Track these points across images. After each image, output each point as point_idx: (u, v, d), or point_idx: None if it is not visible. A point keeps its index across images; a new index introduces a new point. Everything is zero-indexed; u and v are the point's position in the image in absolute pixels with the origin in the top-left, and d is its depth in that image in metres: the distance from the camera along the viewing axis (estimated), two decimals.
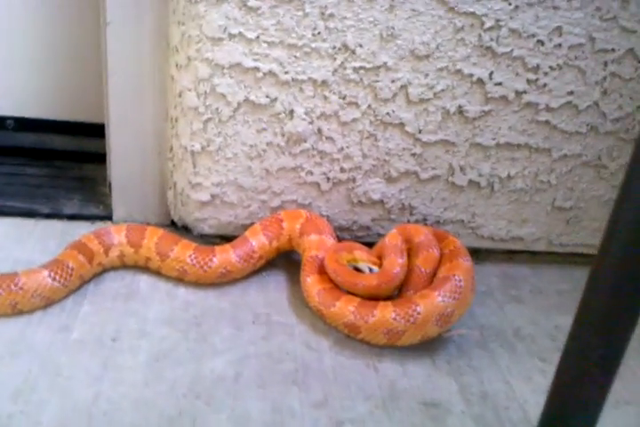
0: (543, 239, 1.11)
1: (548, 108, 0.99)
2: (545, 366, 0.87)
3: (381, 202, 1.05)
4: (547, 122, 1.00)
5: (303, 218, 1.01)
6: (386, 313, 0.85)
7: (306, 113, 0.97)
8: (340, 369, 0.83)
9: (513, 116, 0.99)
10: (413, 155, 1.02)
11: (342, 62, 0.94)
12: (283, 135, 0.99)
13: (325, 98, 0.97)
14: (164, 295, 0.93)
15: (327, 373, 0.82)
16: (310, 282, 0.93)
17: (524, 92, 0.98)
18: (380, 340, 0.87)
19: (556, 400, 0.62)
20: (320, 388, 0.79)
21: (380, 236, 1.07)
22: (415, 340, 0.86)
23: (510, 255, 1.13)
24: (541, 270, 1.10)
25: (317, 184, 1.03)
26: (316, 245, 0.98)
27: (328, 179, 1.03)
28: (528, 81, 0.97)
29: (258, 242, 0.99)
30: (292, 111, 0.97)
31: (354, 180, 1.03)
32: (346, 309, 0.88)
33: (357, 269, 0.94)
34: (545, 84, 0.97)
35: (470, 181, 1.04)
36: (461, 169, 1.03)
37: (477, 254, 1.11)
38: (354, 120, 0.99)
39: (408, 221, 1.06)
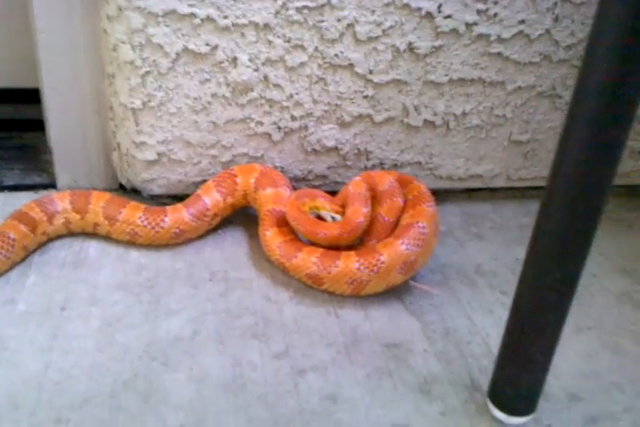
0: (502, 175, 1.09)
1: (500, 40, 0.95)
2: (506, 299, 0.86)
3: (336, 149, 1.01)
4: (499, 54, 0.96)
5: (257, 172, 0.98)
6: (349, 263, 0.83)
7: (250, 60, 0.92)
8: (301, 319, 0.80)
9: (464, 50, 0.95)
10: (366, 97, 0.98)
11: (284, 3, 0.89)
12: (227, 85, 0.94)
13: (269, 42, 0.92)
14: (115, 260, 0.89)
15: (288, 323, 0.79)
16: (270, 235, 0.90)
17: (475, 23, 0.94)
18: (344, 290, 0.84)
19: (514, 328, 0.60)
20: (281, 339, 0.76)
21: (338, 184, 1.04)
22: (380, 289, 0.84)
23: (470, 194, 1.11)
24: (501, 206, 1.09)
25: (268, 135, 0.99)
26: (273, 198, 0.94)
27: (279, 128, 0.98)
28: (478, 12, 0.93)
29: (211, 199, 0.95)
30: (235, 59, 0.92)
31: (306, 127, 0.99)
32: (308, 260, 0.85)
33: (320, 218, 0.91)
34: (495, 14, 0.93)
35: (425, 121, 1.01)
36: (416, 109, 1.00)
37: (437, 195, 1.08)
38: (301, 64, 0.94)
39: (365, 167, 1.03)
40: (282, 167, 1.02)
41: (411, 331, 0.79)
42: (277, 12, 0.90)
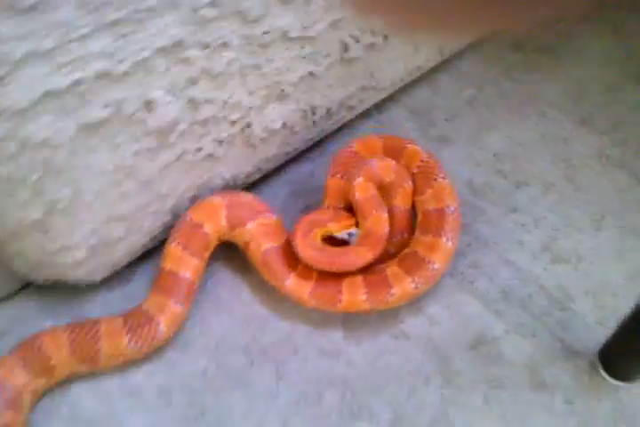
0: (435, 55, 0.92)
1: None
2: (519, 216, 0.81)
3: (284, 124, 0.78)
4: None
5: (222, 207, 0.73)
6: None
7: (168, 92, 0.61)
8: (375, 360, 0.72)
9: None
10: (304, 58, 0.72)
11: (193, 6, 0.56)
12: (148, 134, 0.63)
13: (185, 60, 0.60)
14: None
15: (369, 376, 0.71)
16: (292, 285, 0.71)
17: None
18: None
19: None
20: (379, 402, 0.70)
21: (290, 162, 0.83)
22: None
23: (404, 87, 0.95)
24: (437, 86, 0.95)
25: (210, 155, 0.72)
26: (261, 234, 0.73)
27: (220, 142, 0.71)
28: None
29: (188, 268, 0.72)
30: (148, 102, 0.60)
31: (248, 124, 0.73)
32: (358, 298, 0.70)
33: (333, 239, 0.74)
34: None
35: (365, 46, 0.78)
36: (352, 37, 0.76)
37: (380, 107, 0.92)
38: (228, 63, 0.64)
39: (313, 123, 0.82)
40: (232, 175, 0.77)
41: (478, 314, 0.73)
42: (184, 21, 0.57)
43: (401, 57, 0.86)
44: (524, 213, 0.81)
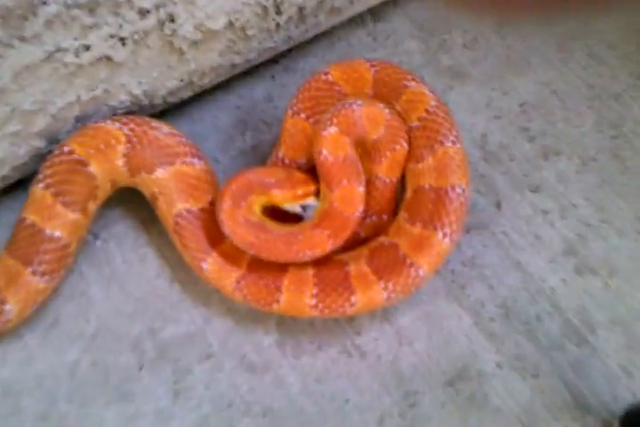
0: None
1: None
2: (536, 197, 0.58)
3: (230, 23, 0.51)
4: None
5: (122, 139, 0.48)
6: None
7: None
8: (331, 380, 0.51)
9: None
10: None
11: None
12: None
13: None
14: None
15: (306, 408, 0.51)
16: (212, 268, 0.49)
17: None
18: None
19: None
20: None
21: (244, 80, 0.58)
22: None
23: None
24: None
25: (107, 59, 0.46)
26: (176, 187, 0.49)
27: (122, 41, 0.45)
28: None
29: (61, 226, 0.48)
30: None
31: (171, 18, 0.46)
32: (303, 301, 0.49)
33: (282, 214, 0.50)
34: None
35: None
36: None
37: (377, 13, 0.66)
38: None
39: (277, 26, 0.55)
40: (145, 91, 0.51)
41: (465, 334, 0.52)
42: None
43: None
44: (549, 195, 0.59)
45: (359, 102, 0.48)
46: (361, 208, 0.48)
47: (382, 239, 0.49)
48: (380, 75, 0.51)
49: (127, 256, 0.54)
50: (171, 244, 0.52)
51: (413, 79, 0.51)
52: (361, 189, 0.48)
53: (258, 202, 0.48)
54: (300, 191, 0.48)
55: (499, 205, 0.58)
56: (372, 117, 0.48)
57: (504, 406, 0.50)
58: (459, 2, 0.68)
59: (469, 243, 0.56)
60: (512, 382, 0.51)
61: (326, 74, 0.51)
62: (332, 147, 0.47)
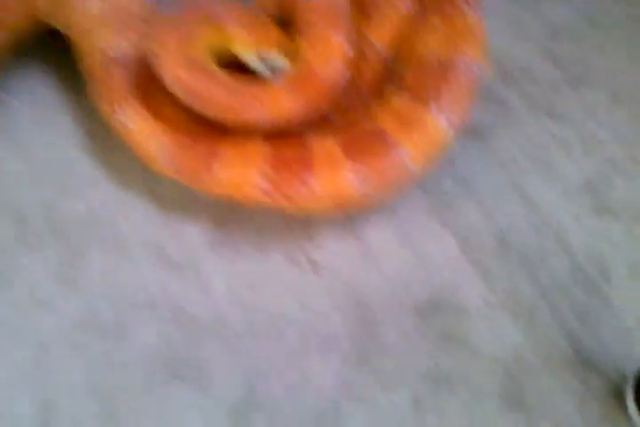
0: None
1: None
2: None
3: None
4: None
5: None
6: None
7: None
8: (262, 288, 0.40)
9: None
10: None
11: None
12: None
13: None
14: None
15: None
16: (136, 124, 0.38)
17: None
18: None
19: None
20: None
21: None
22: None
23: None
24: None
25: None
26: (103, 18, 0.40)
27: None
28: None
29: None
30: None
31: None
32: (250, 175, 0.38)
33: (239, 67, 0.41)
34: None
35: None
36: None
37: None
38: None
39: None
40: None
41: (447, 262, 0.41)
42: None
43: None
44: (570, 124, 0.49)
45: None
46: (344, 71, 0.38)
47: (360, 119, 0.39)
48: None
49: (37, 118, 0.44)
50: (91, 107, 0.42)
51: None
52: (346, 47, 0.38)
53: (207, 41, 0.38)
54: (263, 36, 0.38)
55: (512, 128, 0.48)
56: None
57: (486, 349, 0.39)
58: None
59: (468, 160, 0.46)
60: (500, 322, 0.40)
61: None
62: None
